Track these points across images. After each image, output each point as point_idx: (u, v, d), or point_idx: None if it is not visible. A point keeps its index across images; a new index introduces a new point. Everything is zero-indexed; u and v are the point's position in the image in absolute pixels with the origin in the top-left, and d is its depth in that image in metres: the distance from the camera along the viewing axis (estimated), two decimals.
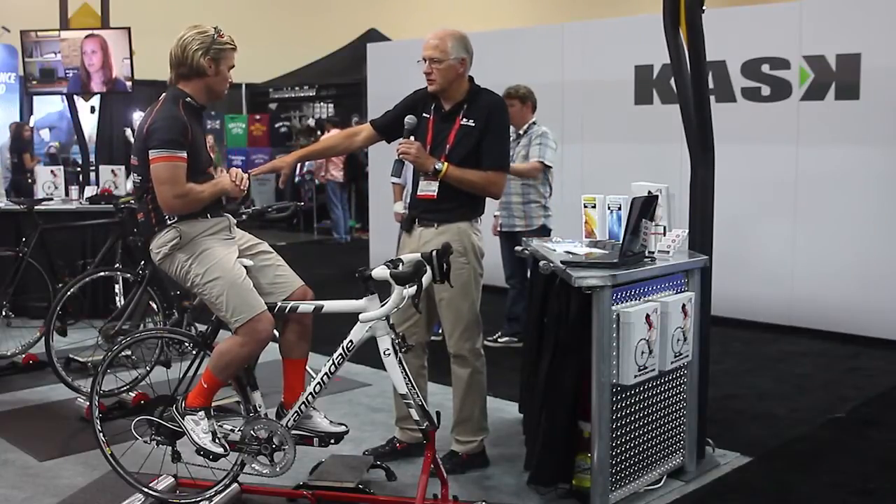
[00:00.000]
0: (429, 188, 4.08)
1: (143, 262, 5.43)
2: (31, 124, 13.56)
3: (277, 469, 3.64)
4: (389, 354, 3.50)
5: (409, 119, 4.12)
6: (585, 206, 4.33)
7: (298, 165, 13.15)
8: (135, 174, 3.65)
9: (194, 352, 3.84)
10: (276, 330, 3.70)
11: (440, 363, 4.31)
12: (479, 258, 4.11)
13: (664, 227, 4.06)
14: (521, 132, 6.32)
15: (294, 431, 3.63)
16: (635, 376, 3.65)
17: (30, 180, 11.51)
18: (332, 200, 12.84)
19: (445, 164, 4.00)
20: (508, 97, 6.21)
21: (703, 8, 4.04)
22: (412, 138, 4.06)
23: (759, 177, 7.08)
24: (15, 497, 3.96)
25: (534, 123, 6.33)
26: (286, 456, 3.63)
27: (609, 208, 4.24)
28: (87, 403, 4.25)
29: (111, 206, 6.60)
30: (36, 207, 6.61)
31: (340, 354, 3.57)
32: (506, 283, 6.56)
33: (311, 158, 4.38)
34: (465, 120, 4.04)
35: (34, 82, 8.62)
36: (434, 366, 4.32)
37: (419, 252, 3.77)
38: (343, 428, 3.70)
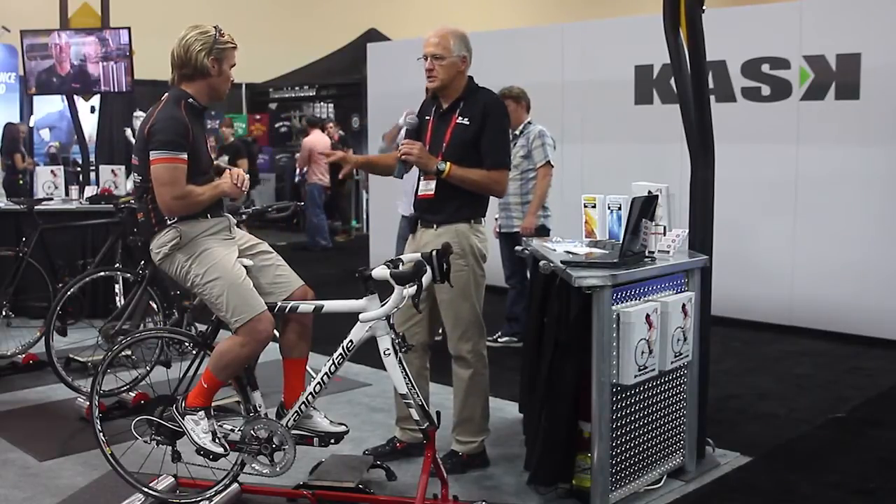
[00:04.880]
0: (427, 188, 4.09)
1: (143, 262, 5.43)
2: (31, 124, 13.55)
3: (277, 469, 3.64)
4: (389, 354, 3.50)
5: (411, 119, 4.15)
6: (585, 206, 4.33)
7: (298, 167, 13.21)
8: (135, 174, 3.66)
9: (194, 352, 3.84)
10: (277, 330, 3.70)
11: (441, 363, 4.31)
12: (480, 260, 4.09)
13: (664, 227, 4.06)
14: (517, 132, 6.33)
15: (294, 431, 3.63)
16: (635, 376, 3.65)
17: (20, 181, 11.51)
18: (316, 203, 12.27)
19: (448, 164, 3.99)
20: (503, 98, 6.20)
21: (703, 8, 4.04)
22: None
23: (759, 177, 7.08)
24: (15, 497, 3.96)
25: (529, 123, 6.34)
26: (286, 456, 3.63)
27: (609, 208, 4.24)
28: (87, 403, 4.25)
29: (111, 206, 6.61)
30: (36, 207, 6.62)
31: (340, 354, 3.57)
32: (506, 283, 6.56)
33: (372, 168, 4.54)
34: (460, 118, 4.04)
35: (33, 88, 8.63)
36: (435, 366, 4.32)
37: (419, 252, 3.77)
38: (343, 428, 3.70)
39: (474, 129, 4.00)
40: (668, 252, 3.99)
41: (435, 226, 4.08)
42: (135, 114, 8.76)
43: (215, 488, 3.72)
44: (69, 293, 5.39)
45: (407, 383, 3.51)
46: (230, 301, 3.50)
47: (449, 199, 4.03)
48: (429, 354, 4.26)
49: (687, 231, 4.18)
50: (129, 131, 9.80)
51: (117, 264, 6.23)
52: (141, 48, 9.11)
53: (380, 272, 3.42)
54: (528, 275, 5.44)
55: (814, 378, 5.87)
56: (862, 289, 6.71)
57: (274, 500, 3.87)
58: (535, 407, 4.04)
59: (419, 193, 4.15)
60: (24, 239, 6.35)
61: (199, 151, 3.58)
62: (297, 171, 13.34)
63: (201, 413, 3.60)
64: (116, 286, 6.04)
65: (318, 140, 12.08)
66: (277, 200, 14.33)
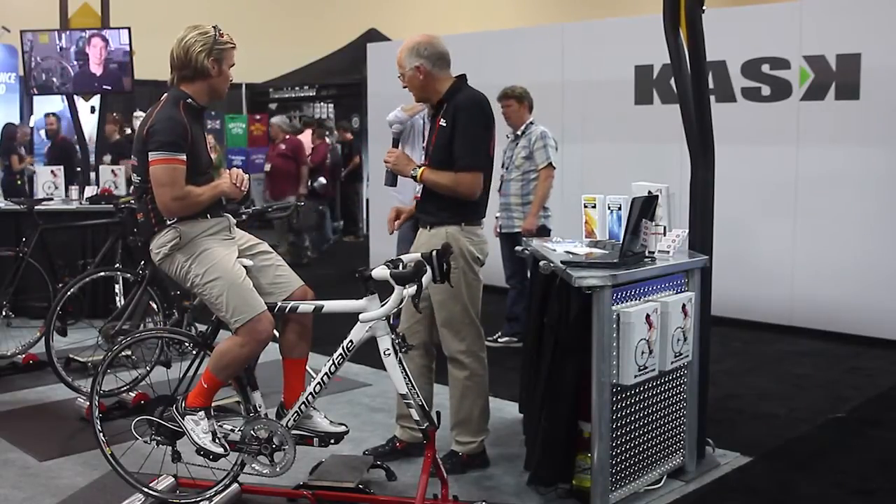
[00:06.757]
0: (417, 190, 4.19)
1: (143, 262, 5.43)
2: (31, 124, 13.55)
3: (277, 469, 3.65)
4: (389, 354, 3.50)
5: (395, 128, 4.25)
6: (585, 206, 4.33)
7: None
8: (134, 174, 3.66)
9: (194, 352, 3.85)
10: (277, 330, 3.70)
11: (442, 363, 4.31)
12: (472, 263, 4.07)
13: (664, 227, 4.06)
14: (519, 132, 6.34)
15: (294, 431, 3.63)
16: (635, 376, 3.65)
17: (19, 181, 11.51)
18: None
19: (420, 168, 4.04)
20: (505, 97, 6.27)
21: (703, 8, 4.04)
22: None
23: (759, 177, 7.08)
24: (15, 497, 3.96)
25: (531, 123, 6.34)
26: (286, 456, 3.64)
27: (609, 208, 4.24)
28: (87, 403, 4.25)
29: (111, 206, 6.61)
30: (36, 207, 6.62)
31: (340, 354, 3.57)
32: (506, 284, 6.56)
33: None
34: (442, 121, 4.05)
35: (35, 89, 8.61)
36: (436, 365, 4.32)
37: (418, 252, 3.78)
38: (343, 428, 3.70)
39: (449, 130, 4.01)
40: (668, 252, 3.99)
41: (428, 227, 4.12)
42: (135, 114, 8.76)
43: (215, 488, 3.72)
44: (69, 293, 5.39)
45: (407, 383, 3.51)
46: (230, 301, 3.50)
47: (431, 201, 4.08)
48: (433, 354, 4.26)
49: (687, 231, 4.18)
50: (129, 131, 9.75)
51: (117, 264, 6.23)
52: (141, 48, 9.10)
53: (380, 272, 3.42)
54: (528, 275, 5.44)
55: (814, 378, 5.87)
56: (862, 289, 6.71)
57: (274, 500, 3.87)
58: (535, 407, 4.04)
59: (415, 195, 4.24)
60: (24, 239, 6.36)
61: (198, 152, 3.58)
62: None
63: (201, 413, 3.60)
64: (116, 286, 6.04)
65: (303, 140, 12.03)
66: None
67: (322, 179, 11.52)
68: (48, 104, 13.53)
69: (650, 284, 3.81)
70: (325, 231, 12.41)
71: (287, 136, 10.93)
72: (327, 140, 12.58)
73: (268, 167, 10.98)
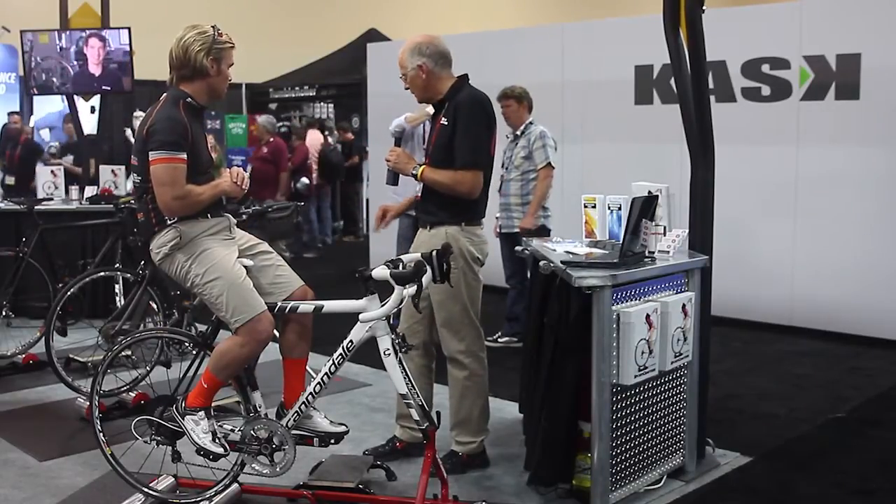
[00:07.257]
0: (417, 190, 4.19)
1: (143, 262, 5.43)
2: (31, 124, 13.54)
3: (277, 469, 3.65)
4: (389, 354, 3.50)
5: (395, 129, 4.23)
6: (585, 206, 4.33)
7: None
8: (135, 174, 3.66)
9: (194, 352, 3.84)
10: (277, 330, 3.70)
11: (440, 363, 4.31)
12: (471, 263, 4.06)
13: (664, 227, 4.06)
14: (518, 132, 6.34)
15: (294, 431, 3.63)
16: (635, 376, 3.65)
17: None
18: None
19: (421, 167, 4.04)
20: (505, 97, 6.28)
21: (703, 8, 4.04)
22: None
23: (759, 177, 7.08)
24: (15, 497, 3.96)
25: (531, 123, 6.35)
26: (286, 456, 3.64)
27: (609, 208, 4.24)
28: (87, 403, 4.25)
29: (111, 206, 6.61)
30: (36, 207, 6.62)
31: (340, 354, 3.57)
32: (506, 283, 6.56)
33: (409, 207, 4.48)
34: (443, 120, 4.05)
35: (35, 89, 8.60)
36: (436, 364, 4.32)
37: (418, 252, 3.78)
38: (343, 428, 3.70)
39: (450, 129, 4.01)
40: (668, 252, 3.99)
41: (428, 227, 4.11)
42: (135, 114, 8.74)
43: (215, 488, 3.72)
44: (69, 293, 5.39)
45: (407, 383, 3.51)
46: (230, 301, 3.50)
47: (431, 201, 4.09)
48: (433, 354, 4.26)
49: (687, 231, 4.18)
50: (129, 131, 9.76)
51: (117, 264, 6.23)
52: (141, 48, 9.10)
53: (380, 272, 3.42)
54: (528, 275, 5.44)
55: (814, 378, 5.87)
56: (862, 289, 6.71)
57: (274, 500, 3.87)
58: (535, 407, 4.04)
59: (416, 195, 4.24)
60: (24, 239, 6.35)
61: (198, 151, 3.58)
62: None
63: (201, 413, 3.60)
64: (116, 286, 6.04)
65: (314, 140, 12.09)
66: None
67: (304, 180, 11.51)
68: (48, 104, 13.55)
69: (650, 284, 3.81)
70: (325, 228, 12.44)
71: (271, 139, 10.78)
72: (329, 139, 12.58)
73: (249, 169, 10.92)
